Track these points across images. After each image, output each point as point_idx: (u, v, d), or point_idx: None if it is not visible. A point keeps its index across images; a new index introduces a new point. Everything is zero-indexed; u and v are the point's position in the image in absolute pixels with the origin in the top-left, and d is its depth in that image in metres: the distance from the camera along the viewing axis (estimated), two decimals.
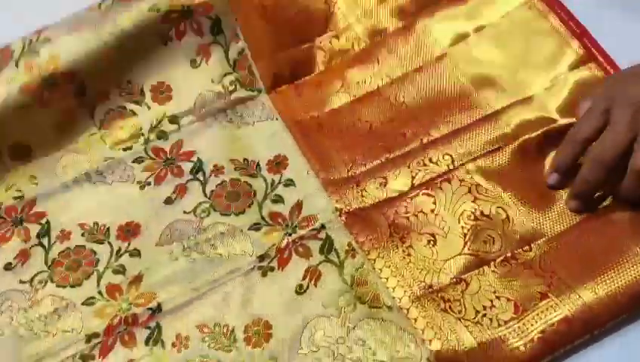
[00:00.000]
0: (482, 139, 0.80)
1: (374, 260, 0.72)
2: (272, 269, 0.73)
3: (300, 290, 0.71)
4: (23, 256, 0.78)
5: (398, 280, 0.70)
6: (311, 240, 0.74)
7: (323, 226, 0.75)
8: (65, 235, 0.81)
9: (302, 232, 0.76)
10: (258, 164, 0.82)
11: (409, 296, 0.68)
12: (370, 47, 0.91)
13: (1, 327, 0.72)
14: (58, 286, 0.78)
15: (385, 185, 0.79)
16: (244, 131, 0.85)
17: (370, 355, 0.65)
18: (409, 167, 0.79)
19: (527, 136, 0.78)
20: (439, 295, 0.67)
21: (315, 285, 0.71)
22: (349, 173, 0.80)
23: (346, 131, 0.83)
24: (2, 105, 0.78)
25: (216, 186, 0.81)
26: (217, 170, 0.82)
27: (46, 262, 0.80)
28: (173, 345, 0.69)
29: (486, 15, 0.88)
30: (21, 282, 0.78)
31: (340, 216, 0.76)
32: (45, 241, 0.82)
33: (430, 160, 0.79)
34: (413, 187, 0.79)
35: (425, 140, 0.82)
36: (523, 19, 0.87)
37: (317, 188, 0.78)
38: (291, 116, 0.85)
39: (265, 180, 0.81)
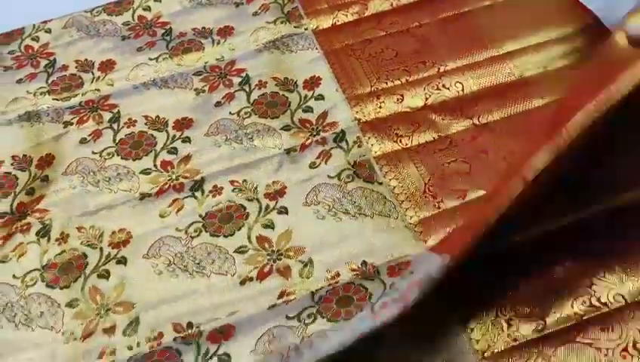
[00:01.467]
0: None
1: (374, 150, 0.89)
2: (294, 150, 0.90)
3: (313, 166, 0.87)
4: (96, 134, 0.95)
5: (389, 165, 0.88)
6: (329, 134, 0.93)
7: (342, 131, 0.89)
8: (131, 123, 0.99)
9: (324, 134, 0.90)
10: (295, 82, 0.97)
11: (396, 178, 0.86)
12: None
13: (74, 184, 0.88)
14: (122, 158, 0.95)
15: (401, 101, 0.93)
16: (287, 57, 1.00)
17: (357, 209, 0.83)
18: (424, 89, 0.92)
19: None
20: None
21: (325, 163, 0.88)
22: (372, 89, 0.94)
23: (374, 56, 0.99)
24: None
25: (259, 96, 0.96)
26: (261, 84, 0.97)
27: (114, 140, 0.97)
28: (210, 192, 0.86)
29: None
30: (93, 153, 0.96)
31: (358, 124, 0.89)
32: (115, 126, 0.99)
33: (443, 85, 0.92)
34: (425, 106, 0.92)
35: (441, 69, 0.95)
36: None
37: (342, 101, 0.93)
38: (329, 46, 1.00)
39: (299, 94, 0.96)
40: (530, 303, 0.70)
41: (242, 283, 0.79)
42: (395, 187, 0.84)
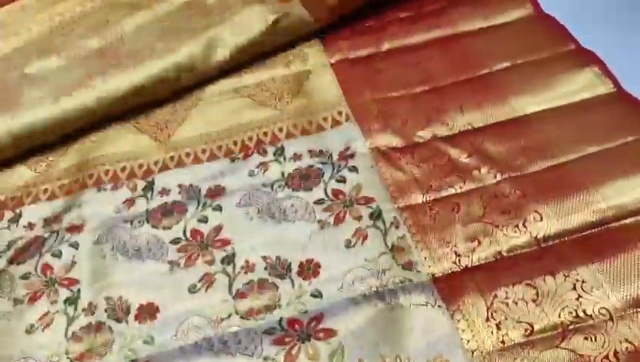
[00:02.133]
0: None
1: (414, 234, 0.86)
2: (328, 224, 0.89)
3: (349, 245, 0.83)
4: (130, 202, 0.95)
5: (431, 253, 0.83)
6: (363, 207, 0.89)
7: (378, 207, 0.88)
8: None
9: (358, 206, 0.91)
10: (331, 155, 0.96)
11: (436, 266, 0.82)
12: None
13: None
14: (153, 226, 0.93)
15: None
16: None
17: (394, 298, 0.79)
18: None
19: None
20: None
21: (362, 243, 0.83)
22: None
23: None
24: None
25: (293, 170, 0.96)
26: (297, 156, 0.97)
27: (147, 211, 0.97)
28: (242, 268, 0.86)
29: None
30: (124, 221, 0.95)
31: (402, 213, 0.89)
32: (149, 194, 0.99)
33: None
34: None
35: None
36: None
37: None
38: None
39: (333, 166, 0.95)
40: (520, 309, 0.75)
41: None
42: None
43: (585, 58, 1.10)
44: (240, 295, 0.82)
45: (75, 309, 0.84)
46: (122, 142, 1.10)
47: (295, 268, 0.85)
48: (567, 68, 1.09)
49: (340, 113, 1.09)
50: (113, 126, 1.14)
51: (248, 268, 0.86)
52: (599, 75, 1.06)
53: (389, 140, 1.02)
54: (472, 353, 0.72)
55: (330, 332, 0.76)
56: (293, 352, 0.75)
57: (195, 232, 0.92)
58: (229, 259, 0.87)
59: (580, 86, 1.06)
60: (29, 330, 0.83)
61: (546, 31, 1.19)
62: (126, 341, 0.80)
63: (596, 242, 0.82)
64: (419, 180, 0.94)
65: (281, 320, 0.79)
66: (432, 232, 0.86)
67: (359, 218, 0.89)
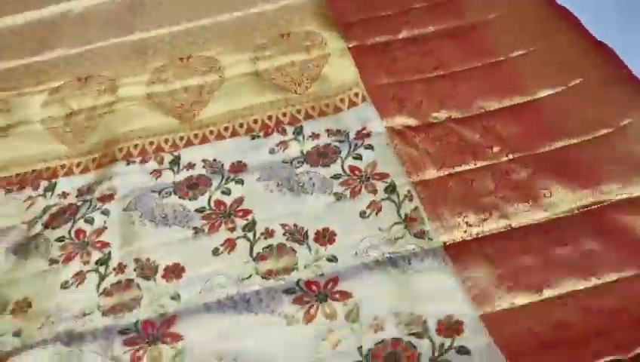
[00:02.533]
0: None
1: (427, 206, 0.90)
2: (344, 197, 0.93)
3: (363, 215, 0.88)
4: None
5: (442, 223, 0.88)
6: (378, 181, 0.93)
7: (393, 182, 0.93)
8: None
9: (373, 181, 0.95)
10: (347, 134, 1.01)
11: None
12: None
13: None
14: (179, 197, 0.99)
15: None
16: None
17: (407, 264, 0.83)
18: None
19: None
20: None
21: (376, 215, 0.88)
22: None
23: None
24: None
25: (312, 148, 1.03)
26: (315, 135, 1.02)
27: (173, 183, 1.03)
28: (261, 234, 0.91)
29: None
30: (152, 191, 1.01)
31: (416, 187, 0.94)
32: (175, 168, 1.04)
33: None
34: None
35: None
36: None
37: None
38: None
39: (349, 144, 1.00)
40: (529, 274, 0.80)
41: (288, 323, 0.80)
42: None
43: (594, 44, 1.14)
44: (260, 257, 0.87)
45: (106, 269, 0.90)
46: (149, 121, 1.16)
47: (312, 236, 0.89)
48: (579, 56, 1.13)
49: (356, 95, 1.13)
50: (140, 107, 1.20)
51: (268, 234, 0.91)
52: (607, 60, 1.10)
53: (404, 120, 1.06)
54: (482, 313, 0.76)
55: (346, 294, 0.81)
56: (312, 311, 0.80)
57: (218, 203, 0.97)
58: (250, 227, 0.92)
59: (588, 70, 1.09)
60: (64, 286, 0.88)
61: (558, 19, 1.23)
62: (154, 297, 0.85)
63: (606, 218, 0.86)
64: (433, 157, 0.98)
65: (299, 281, 0.83)
66: (445, 204, 0.91)
67: (374, 191, 0.94)
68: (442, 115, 1.07)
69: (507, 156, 0.97)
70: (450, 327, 0.76)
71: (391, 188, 0.94)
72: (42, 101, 1.25)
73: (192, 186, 1.01)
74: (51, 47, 1.43)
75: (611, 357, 0.70)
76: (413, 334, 0.76)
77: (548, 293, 0.78)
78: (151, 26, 1.45)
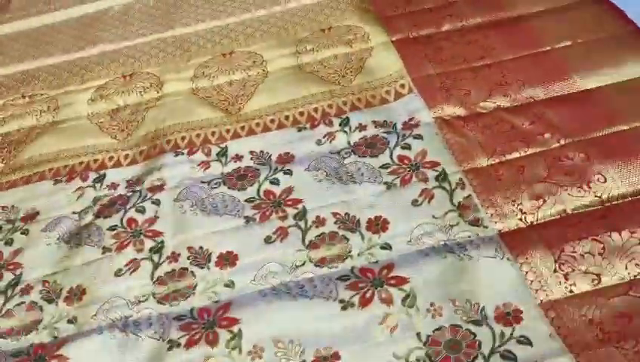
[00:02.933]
0: None
1: (479, 194, 0.89)
2: (394, 185, 0.93)
3: (416, 203, 0.88)
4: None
5: (497, 211, 0.87)
6: (428, 169, 0.93)
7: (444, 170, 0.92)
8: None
9: (423, 170, 0.95)
10: (395, 125, 1.01)
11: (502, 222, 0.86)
12: None
13: None
14: (229, 188, 0.99)
15: None
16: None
17: (463, 251, 0.82)
18: None
19: None
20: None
21: (429, 202, 0.88)
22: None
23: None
24: None
25: (359, 139, 1.02)
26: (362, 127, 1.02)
27: (222, 173, 1.04)
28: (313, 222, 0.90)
29: None
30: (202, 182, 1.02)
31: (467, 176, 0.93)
32: (223, 159, 1.05)
33: None
34: None
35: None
36: None
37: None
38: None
39: (397, 135, 1.00)
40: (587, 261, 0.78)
41: (344, 308, 0.79)
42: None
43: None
44: (313, 245, 0.87)
45: (160, 257, 0.90)
46: (195, 115, 1.17)
47: (364, 224, 0.89)
48: (627, 47, 1.11)
49: (402, 86, 1.13)
50: (186, 101, 1.21)
51: (319, 222, 0.90)
52: None
53: (452, 110, 1.06)
54: (541, 301, 0.75)
55: (401, 280, 0.80)
56: (367, 295, 0.79)
57: (268, 193, 0.97)
58: (301, 216, 0.92)
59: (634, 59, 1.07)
60: (118, 274, 0.89)
61: (603, 12, 1.21)
62: (208, 284, 0.85)
63: None
64: (483, 145, 0.97)
65: (353, 268, 0.83)
66: (498, 192, 0.90)
67: (425, 180, 0.93)
68: (491, 104, 1.06)
69: (559, 142, 0.95)
70: (509, 315, 0.74)
71: (442, 177, 0.93)
72: (88, 98, 1.27)
73: (241, 177, 1.01)
74: (93, 42, 1.46)
75: None
76: (471, 321, 0.75)
77: (606, 281, 0.76)
78: (190, 22, 1.46)
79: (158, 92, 1.25)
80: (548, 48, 1.15)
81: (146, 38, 1.44)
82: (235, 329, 0.79)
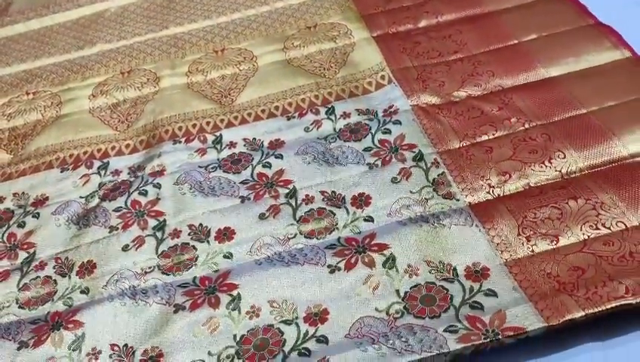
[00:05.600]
0: None
1: (452, 171, 0.99)
2: (376, 166, 1.02)
3: (395, 181, 0.98)
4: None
5: (467, 186, 0.97)
6: (406, 151, 1.03)
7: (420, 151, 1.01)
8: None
9: (402, 151, 1.04)
10: (376, 113, 1.11)
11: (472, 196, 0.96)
12: None
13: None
14: (224, 171, 1.08)
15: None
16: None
17: (437, 221, 0.91)
18: None
19: None
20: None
21: (407, 180, 0.97)
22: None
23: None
24: None
25: (344, 126, 1.10)
26: (346, 115, 1.11)
27: (218, 160, 1.11)
28: (302, 200, 0.99)
29: None
30: (199, 166, 1.10)
31: (441, 156, 1.01)
32: (218, 146, 1.14)
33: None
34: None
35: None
36: None
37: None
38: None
39: (379, 121, 1.09)
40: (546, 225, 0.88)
41: (331, 272, 0.88)
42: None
43: (603, 30, 1.22)
44: (303, 220, 0.96)
45: (163, 234, 0.99)
46: (191, 107, 1.26)
47: (349, 200, 0.98)
48: (588, 39, 1.22)
49: (382, 77, 1.22)
50: (182, 95, 1.29)
51: (308, 200, 0.99)
52: (616, 43, 1.18)
53: (428, 99, 1.15)
54: (506, 261, 0.85)
55: (382, 246, 0.90)
56: (352, 261, 0.88)
57: (260, 175, 1.06)
58: (292, 194, 1.01)
59: (599, 54, 1.18)
60: (125, 249, 0.98)
61: (567, 7, 1.32)
62: (208, 256, 0.94)
63: (614, 175, 0.94)
64: (456, 130, 1.07)
65: (339, 239, 0.92)
66: (469, 169, 0.99)
67: (403, 160, 1.03)
68: (463, 93, 1.15)
69: (524, 126, 1.05)
70: (477, 272, 0.84)
71: (419, 157, 1.03)
72: (89, 94, 1.35)
73: (236, 162, 1.10)
74: (92, 42, 1.54)
75: (624, 301, 0.77)
76: (444, 279, 0.84)
77: (563, 241, 0.86)
78: (184, 22, 1.55)
79: (155, 87, 1.34)
80: (515, 42, 1.26)
81: (141, 38, 1.53)
82: (235, 293, 0.88)
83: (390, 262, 0.87)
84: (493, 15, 1.35)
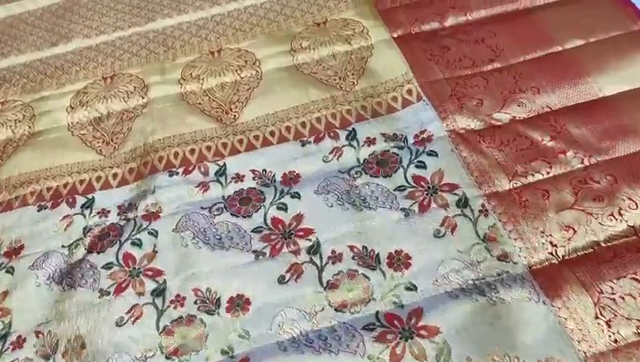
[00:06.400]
0: None
1: (505, 223, 0.84)
2: (412, 212, 0.87)
3: (438, 235, 0.83)
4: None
5: (525, 243, 0.82)
6: (447, 193, 0.88)
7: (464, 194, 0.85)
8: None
9: (442, 193, 0.88)
10: (406, 139, 0.95)
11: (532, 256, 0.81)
12: None
13: None
14: (232, 214, 0.91)
15: None
16: None
17: (494, 292, 0.77)
18: None
19: None
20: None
21: (452, 233, 0.84)
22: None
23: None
24: None
25: (369, 156, 0.96)
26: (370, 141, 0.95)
27: (223, 197, 0.96)
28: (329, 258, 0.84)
29: None
30: (202, 208, 0.94)
31: (489, 200, 0.87)
32: (222, 179, 0.97)
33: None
34: None
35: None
36: None
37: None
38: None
39: (410, 151, 0.95)
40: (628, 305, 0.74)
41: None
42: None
43: None
44: (331, 286, 0.81)
45: (164, 301, 0.83)
46: (187, 125, 1.08)
47: (384, 259, 0.83)
48: None
49: (409, 92, 1.06)
50: (175, 108, 1.11)
51: (335, 258, 0.84)
52: None
53: (466, 122, 0.99)
54: (585, 354, 0.71)
55: (433, 330, 0.75)
56: (398, 351, 0.74)
57: (275, 221, 0.90)
58: (315, 249, 0.86)
59: None
60: (119, 323, 0.82)
61: (614, 7, 1.15)
62: (220, 335, 0.79)
63: None
64: (503, 165, 0.92)
65: (377, 314, 0.78)
66: (524, 221, 0.84)
67: (445, 206, 0.87)
68: (505, 115, 0.99)
69: (583, 163, 0.90)
70: None
71: (463, 202, 0.88)
72: (67, 105, 1.17)
73: (244, 201, 0.94)
74: (67, 37, 1.34)
75: None
76: None
77: None
78: (172, 12, 1.35)
79: (143, 97, 1.16)
80: (559, 49, 1.09)
81: (124, 32, 1.33)
82: None
83: (445, 354, 0.73)
84: (529, 13, 1.18)
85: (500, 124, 0.98)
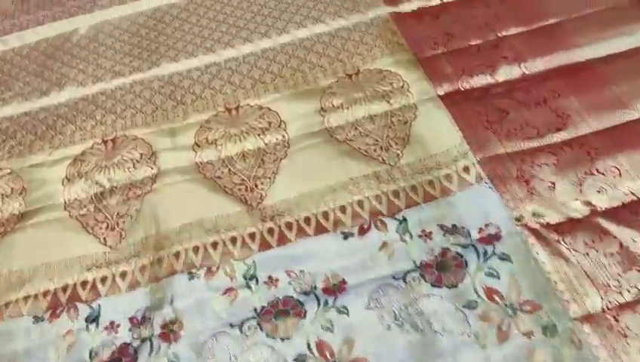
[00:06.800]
0: None
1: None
2: (490, 342, 0.73)
3: None
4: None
5: None
6: (530, 316, 0.75)
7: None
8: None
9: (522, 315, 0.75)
10: (469, 234, 0.82)
11: None
12: None
13: None
14: (267, 336, 0.76)
15: None
16: None
17: None
18: None
19: None
20: None
21: None
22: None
23: None
24: None
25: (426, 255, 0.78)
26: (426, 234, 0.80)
27: (255, 310, 0.80)
28: None
29: None
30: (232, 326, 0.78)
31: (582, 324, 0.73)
32: (252, 284, 0.81)
33: None
34: None
35: None
36: None
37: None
38: None
39: (477, 252, 0.80)
40: None
41: None
42: None
43: None
44: None
45: None
46: (206, 208, 0.92)
47: None
48: None
49: (466, 170, 0.91)
50: (191, 184, 0.96)
51: None
52: None
53: (539, 214, 0.84)
54: None
55: None
56: None
57: (321, 345, 0.75)
58: None
59: None
60: None
61: None
62: None
63: None
64: (592, 277, 0.77)
65: None
66: (625, 354, 0.70)
67: (529, 333, 0.73)
68: (584, 206, 0.85)
69: None
70: None
71: (551, 330, 0.73)
72: (63, 177, 1.00)
73: (280, 315, 0.79)
74: (58, 84, 1.18)
75: None
76: None
77: None
78: (179, 55, 1.19)
79: (152, 167, 0.99)
80: (637, 116, 0.94)
81: (124, 79, 1.17)
82: None
83: None
84: (592, 67, 1.03)
85: (580, 217, 0.83)
